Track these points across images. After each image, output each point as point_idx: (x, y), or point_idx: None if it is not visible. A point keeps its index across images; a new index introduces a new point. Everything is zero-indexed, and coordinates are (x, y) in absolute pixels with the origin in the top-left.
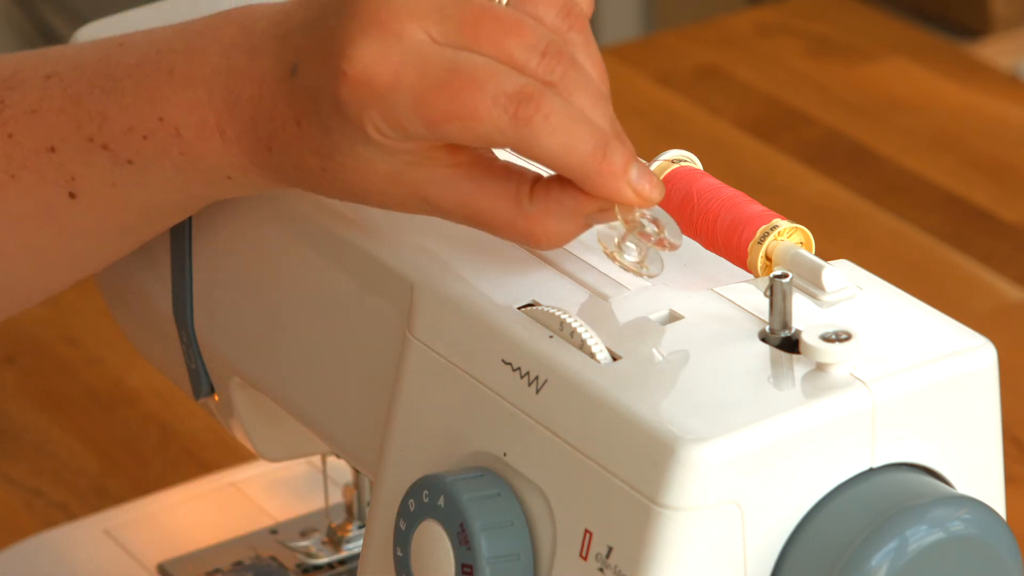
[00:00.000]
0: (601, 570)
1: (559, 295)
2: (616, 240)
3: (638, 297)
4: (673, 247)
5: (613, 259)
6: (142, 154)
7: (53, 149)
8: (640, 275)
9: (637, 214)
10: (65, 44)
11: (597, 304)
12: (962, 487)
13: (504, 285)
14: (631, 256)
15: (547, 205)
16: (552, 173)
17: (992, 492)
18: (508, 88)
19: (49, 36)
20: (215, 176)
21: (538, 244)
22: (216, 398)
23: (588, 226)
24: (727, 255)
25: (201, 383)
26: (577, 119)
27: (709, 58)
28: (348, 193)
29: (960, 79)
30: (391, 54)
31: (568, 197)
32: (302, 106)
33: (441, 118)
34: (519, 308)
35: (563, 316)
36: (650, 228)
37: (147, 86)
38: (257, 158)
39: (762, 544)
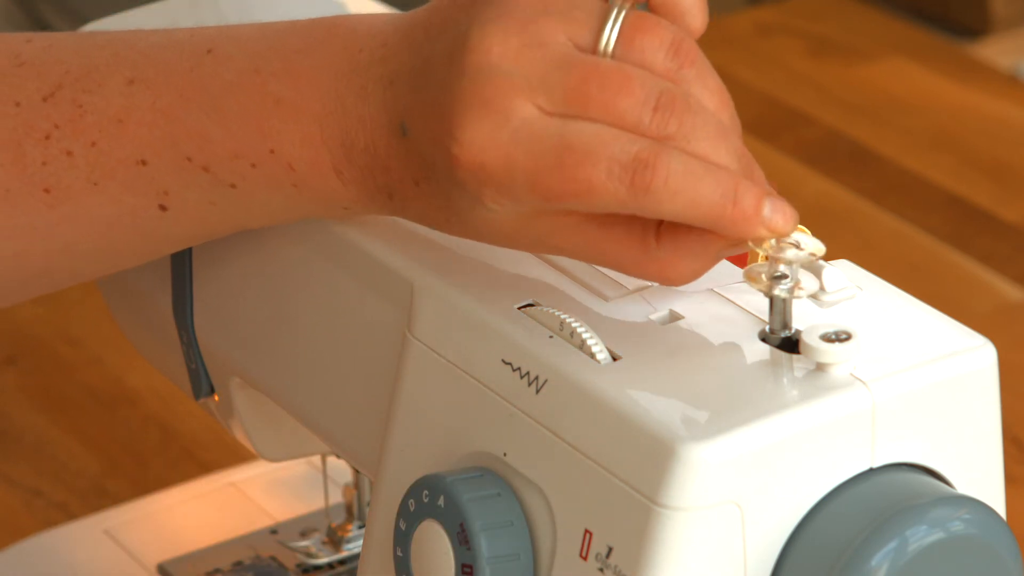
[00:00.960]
0: (601, 570)
1: (559, 295)
2: (764, 276)
3: (638, 297)
4: (819, 256)
5: (768, 293)
6: (248, 180)
7: (144, 162)
8: (799, 298)
9: (773, 242)
10: (131, 31)
11: (597, 304)
12: (962, 487)
13: (504, 285)
14: (785, 284)
15: (675, 246)
16: None
17: (992, 492)
18: (622, 158)
19: None
20: (331, 206)
21: (668, 282)
22: (216, 398)
23: (719, 259)
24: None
25: (201, 383)
26: (699, 172)
27: (709, 58)
28: (475, 237)
29: (960, 79)
30: (500, 135)
31: (695, 237)
32: (418, 169)
33: (558, 195)
34: (519, 308)
35: (563, 316)
36: (791, 251)
37: (253, 113)
38: (377, 201)
39: (762, 544)
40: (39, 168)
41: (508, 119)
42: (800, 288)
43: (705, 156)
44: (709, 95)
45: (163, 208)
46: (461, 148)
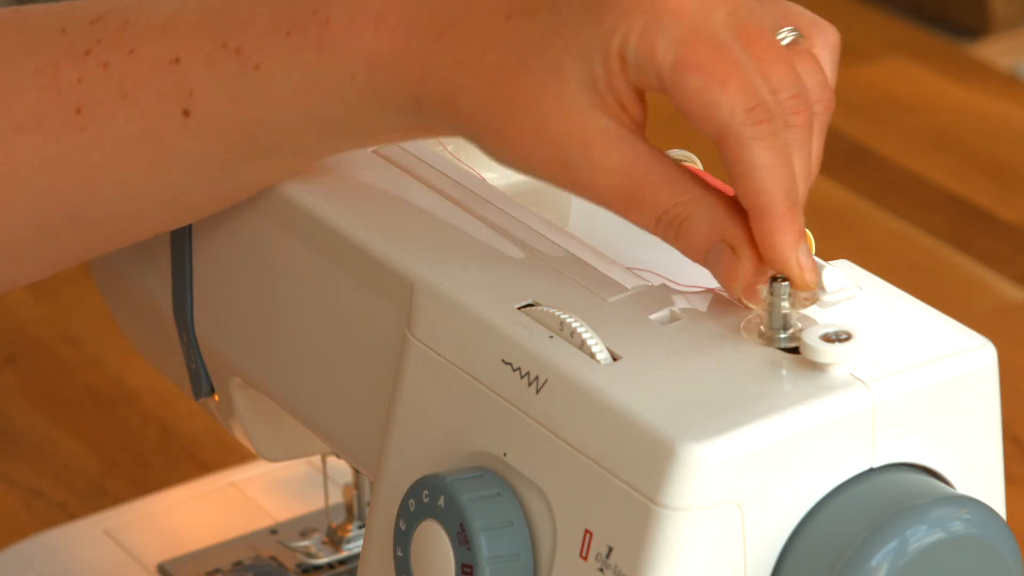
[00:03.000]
0: (601, 570)
1: (559, 295)
2: (763, 329)
3: (638, 297)
4: (812, 299)
5: (770, 344)
6: (274, 56)
7: (177, 60)
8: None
9: (763, 292)
10: None
11: (597, 304)
12: (962, 487)
13: (504, 285)
14: (786, 334)
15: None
16: None
17: (992, 492)
18: (759, 92)
19: None
20: (341, 76)
21: (670, 231)
22: (216, 398)
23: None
24: None
25: (201, 383)
26: (788, 162)
27: None
28: (515, 110)
29: (960, 79)
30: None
31: (729, 226)
32: None
33: (695, 67)
34: (519, 308)
35: (563, 316)
36: (785, 302)
37: None
38: (408, 49)
39: (762, 544)
40: (74, 87)
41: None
42: (803, 331)
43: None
44: (803, 159)
45: (186, 113)
46: None
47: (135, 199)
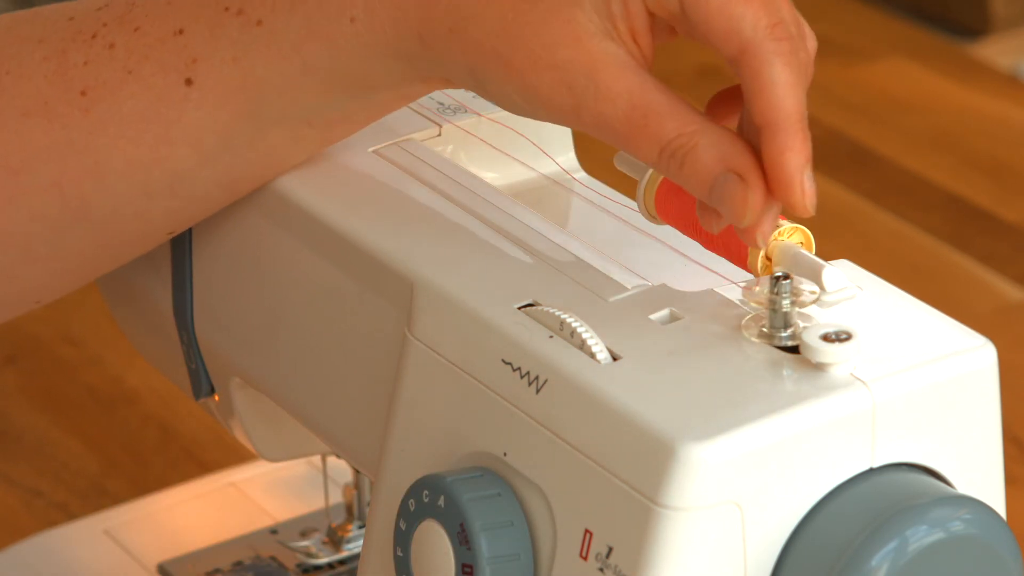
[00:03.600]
0: (601, 570)
1: (559, 295)
2: (767, 329)
3: (638, 297)
4: (815, 300)
5: (769, 341)
6: (276, 9)
7: (181, 31)
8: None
9: (765, 290)
10: None
11: (597, 304)
12: (962, 487)
13: (504, 285)
14: (787, 332)
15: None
16: None
17: (992, 492)
18: (779, 12)
19: None
20: (340, 20)
21: (674, 161)
22: (216, 398)
23: (706, 191)
24: (727, 255)
25: (201, 383)
26: (803, 83)
27: (710, 58)
28: (501, 41)
29: (960, 79)
30: None
31: (736, 154)
32: None
33: (706, 6)
34: (519, 308)
35: (563, 316)
36: (787, 300)
37: None
38: None
39: (762, 544)
40: (80, 70)
41: None
42: (802, 329)
43: None
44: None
45: (189, 83)
46: None
47: (140, 186)
